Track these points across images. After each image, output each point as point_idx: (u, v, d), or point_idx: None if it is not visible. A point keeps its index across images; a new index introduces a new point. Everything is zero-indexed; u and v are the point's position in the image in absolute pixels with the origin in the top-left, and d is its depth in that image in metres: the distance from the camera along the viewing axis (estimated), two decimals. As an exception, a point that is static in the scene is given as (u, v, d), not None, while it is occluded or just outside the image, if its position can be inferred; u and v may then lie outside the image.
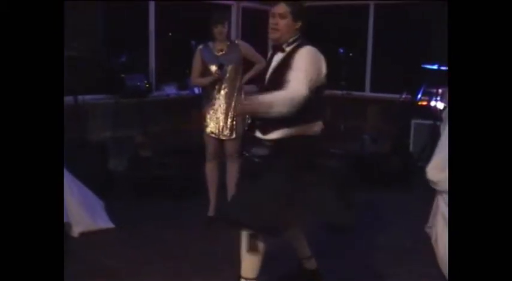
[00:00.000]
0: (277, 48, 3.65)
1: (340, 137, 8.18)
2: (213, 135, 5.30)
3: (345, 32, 9.55)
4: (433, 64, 7.52)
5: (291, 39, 3.59)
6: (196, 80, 5.42)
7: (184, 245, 4.84)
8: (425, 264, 4.19)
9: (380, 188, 6.54)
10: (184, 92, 7.66)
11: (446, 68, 7.20)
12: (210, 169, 5.48)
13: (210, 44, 5.30)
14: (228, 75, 5.20)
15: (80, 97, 6.27)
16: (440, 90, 7.59)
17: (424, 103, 7.73)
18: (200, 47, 5.33)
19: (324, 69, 3.51)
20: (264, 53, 5.66)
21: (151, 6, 7.49)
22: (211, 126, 5.29)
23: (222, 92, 5.23)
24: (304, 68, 3.40)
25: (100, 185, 5.48)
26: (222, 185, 5.46)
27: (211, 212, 5.49)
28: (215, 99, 5.26)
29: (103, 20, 6.05)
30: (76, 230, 4.84)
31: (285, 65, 3.50)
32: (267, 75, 3.66)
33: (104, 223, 5.07)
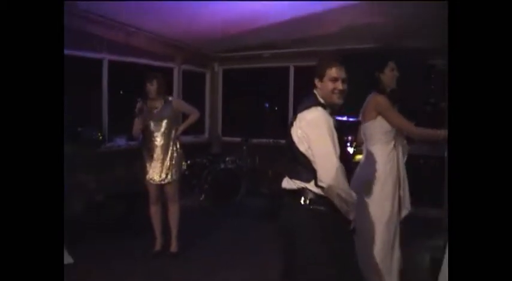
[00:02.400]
0: (335, 112, 3.18)
1: (268, 179, 8.35)
2: (152, 181, 5.38)
3: (270, 90, 9.86)
4: (342, 116, 7.84)
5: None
6: (134, 131, 5.47)
7: (134, 277, 4.85)
8: None
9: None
10: (133, 143, 7.68)
11: (354, 119, 7.52)
12: (154, 212, 5.54)
13: (148, 102, 5.36)
14: (162, 129, 5.29)
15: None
16: (349, 138, 7.90)
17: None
18: (140, 103, 5.36)
19: None
20: (201, 109, 5.82)
21: (105, 69, 7.57)
22: (151, 174, 5.36)
23: (159, 144, 5.31)
24: None
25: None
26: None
27: (157, 247, 5.54)
28: (153, 150, 5.33)
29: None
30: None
31: None
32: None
33: (65, 258, 4.98)
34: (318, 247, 3.00)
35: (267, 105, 9.50)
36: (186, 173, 7.99)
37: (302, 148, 3.02)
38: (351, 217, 3.04)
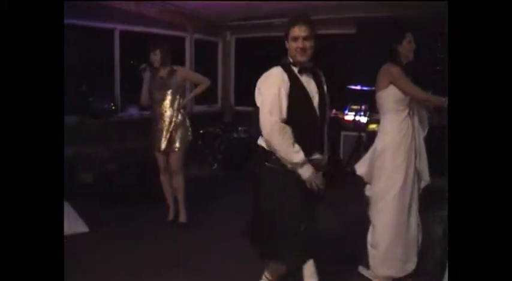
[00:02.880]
0: (307, 69, 3.22)
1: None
2: (158, 150, 5.33)
3: (282, 58, 9.73)
4: (356, 85, 7.76)
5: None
6: (142, 99, 5.37)
7: (145, 244, 4.88)
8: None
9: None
10: (146, 112, 7.67)
11: (368, 88, 7.46)
12: (163, 180, 5.51)
13: (154, 71, 5.25)
14: (167, 99, 5.20)
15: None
16: (363, 107, 7.85)
17: (350, 118, 7.96)
18: (143, 65, 5.29)
19: None
20: (213, 79, 5.71)
21: (116, 39, 7.54)
22: (157, 143, 5.30)
23: (164, 113, 5.21)
24: None
25: (72, 195, 5.43)
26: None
27: (170, 216, 5.56)
28: (158, 119, 5.26)
29: (73, 50, 6.04)
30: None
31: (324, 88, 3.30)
32: (319, 100, 3.22)
33: (79, 226, 5.06)
34: (270, 204, 3.14)
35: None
36: (199, 142, 8.00)
37: (258, 103, 3.17)
38: (304, 177, 3.10)
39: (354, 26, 8.00)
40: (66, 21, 6.98)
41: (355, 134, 7.68)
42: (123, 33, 7.60)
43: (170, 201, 5.55)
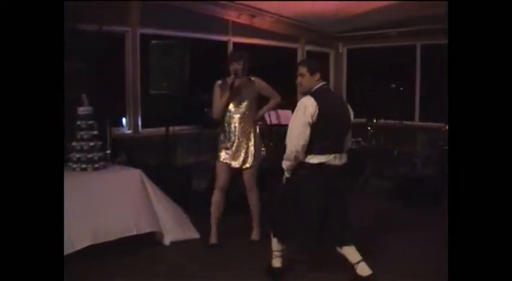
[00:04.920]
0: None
1: (393, 160, 8.20)
2: (227, 165, 4.95)
3: (396, 70, 9.56)
4: None
5: (312, 89, 3.97)
6: (216, 113, 5.04)
7: (253, 254, 4.83)
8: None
9: (428, 206, 6.48)
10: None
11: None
12: (217, 198, 5.07)
13: (228, 79, 4.92)
14: (242, 111, 4.91)
15: (171, 128, 6.50)
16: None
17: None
18: (219, 82, 5.03)
19: (314, 112, 3.77)
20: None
21: (230, 50, 7.77)
22: (227, 157, 4.95)
23: (238, 126, 4.90)
24: (293, 116, 3.88)
25: (186, 201, 5.62)
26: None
27: (213, 240, 5.09)
28: (231, 132, 4.93)
29: (188, 64, 6.30)
30: (167, 239, 4.95)
31: None
32: None
33: (191, 233, 5.15)
34: None
35: (394, 86, 9.23)
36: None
37: None
38: None
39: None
40: (180, 33, 7.21)
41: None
42: (236, 45, 7.82)
43: (215, 223, 5.10)
